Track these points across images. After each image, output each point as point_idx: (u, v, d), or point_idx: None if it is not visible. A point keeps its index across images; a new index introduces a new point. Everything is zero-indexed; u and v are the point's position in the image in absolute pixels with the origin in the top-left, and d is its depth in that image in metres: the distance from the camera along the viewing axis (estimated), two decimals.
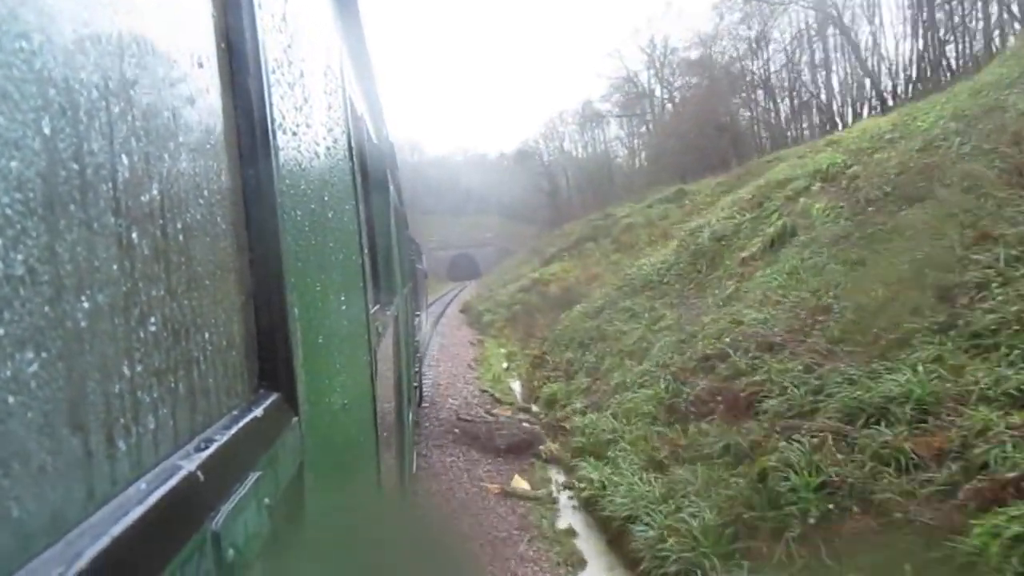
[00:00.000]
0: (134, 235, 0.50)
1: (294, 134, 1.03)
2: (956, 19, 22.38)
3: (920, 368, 4.71)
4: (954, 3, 22.30)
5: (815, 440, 4.66)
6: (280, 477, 0.77)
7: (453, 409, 11.05)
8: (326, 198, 1.32)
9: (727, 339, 7.19)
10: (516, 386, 13.27)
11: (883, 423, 4.52)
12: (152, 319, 0.53)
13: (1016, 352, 4.44)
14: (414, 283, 9.92)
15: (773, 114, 31.88)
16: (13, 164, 0.36)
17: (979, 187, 6.64)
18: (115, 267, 0.47)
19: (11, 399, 0.34)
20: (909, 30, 24.34)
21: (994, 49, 19.47)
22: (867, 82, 26.54)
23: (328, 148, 1.40)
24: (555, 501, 7.01)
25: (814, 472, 4.47)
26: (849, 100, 28.10)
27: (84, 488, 0.41)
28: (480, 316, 23.47)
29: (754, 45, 31.89)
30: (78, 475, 0.41)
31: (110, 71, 0.48)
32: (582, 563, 5.57)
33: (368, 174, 2.75)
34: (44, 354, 0.38)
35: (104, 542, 0.39)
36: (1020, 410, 4.00)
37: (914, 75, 24.13)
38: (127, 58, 0.51)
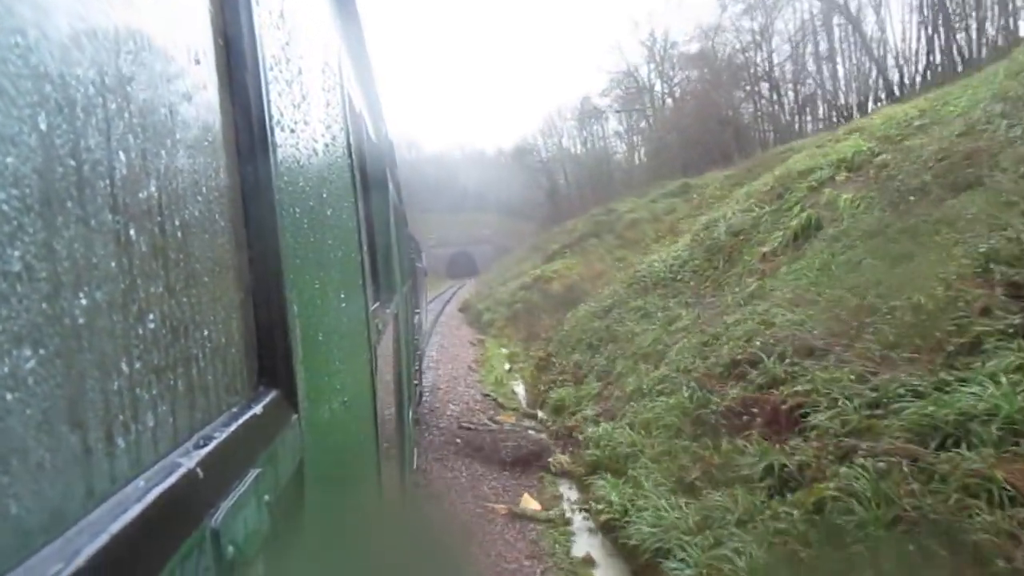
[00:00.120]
0: (132, 232, 0.50)
1: (292, 131, 1.01)
2: (968, 6, 21.71)
3: (1003, 379, 4.03)
4: None
5: (881, 465, 3.98)
6: (280, 474, 0.77)
7: (454, 416, 10.37)
8: (325, 195, 1.31)
9: (757, 342, 6.49)
10: (520, 390, 12.60)
11: (964, 445, 3.84)
12: (151, 316, 0.53)
13: None
14: (414, 281, 9.73)
15: (777, 107, 31.25)
16: (10, 160, 0.36)
17: None
18: (113, 264, 0.47)
19: (9, 396, 0.34)
20: (917, 18, 23.73)
21: (1007, 36, 18.89)
22: (874, 71, 25.92)
23: (327, 145, 1.38)
24: (568, 523, 6.32)
25: (884, 504, 3.78)
26: (854, 90, 27.49)
27: (83, 485, 0.41)
28: (480, 315, 22.96)
29: (758, 37, 31.27)
30: (77, 472, 0.41)
31: (107, 67, 0.48)
32: None
33: (367, 171, 2.70)
34: (42, 351, 0.37)
35: (103, 539, 0.39)
36: None
37: (922, 64, 23.59)
38: (124, 54, 0.51)
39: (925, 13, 23.34)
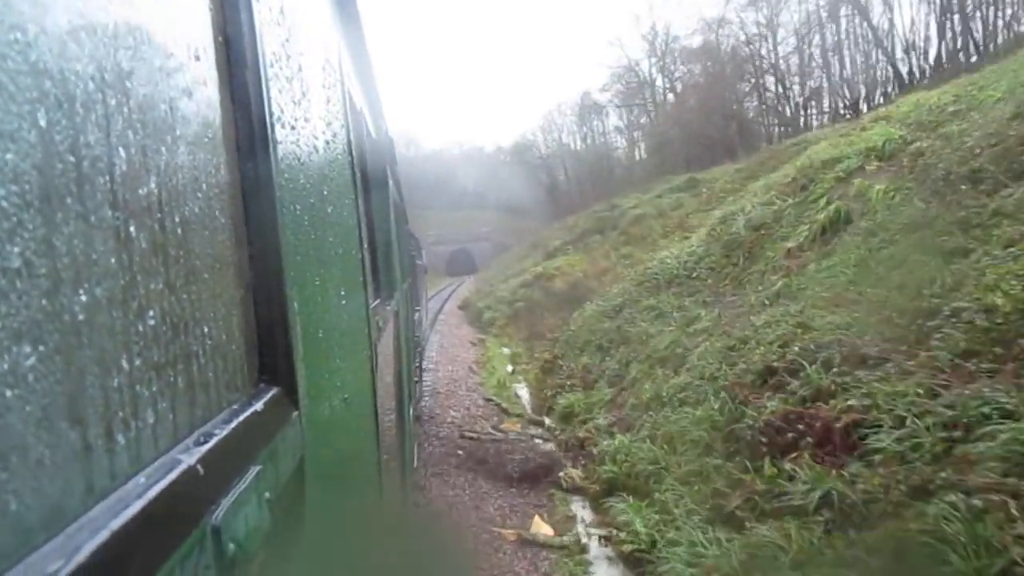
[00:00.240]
0: (132, 229, 0.50)
1: (292, 128, 1.02)
2: None
3: None
4: None
5: (976, 503, 3.29)
6: (280, 471, 0.77)
7: (455, 423, 9.67)
8: (325, 193, 1.31)
9: (795, 347, 5.79)
10: (524, 394, 11.92)
11: None
12: (151, 313, 0.53)
13: None
14: (414, 278, 9.55)
15: (783, 100, 30.63)
16: (9, 156, 0.36)
17: None
18: (113, 261, 0.47)
19: (9, 393, 0.34)
20: (925, 9, 23.14)
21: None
22: (883, 62, 25.31)
23: (327, 142, 1.38)
24: (584, 550, 5.63)
25: (985, 552, 3.10)
26: (863, 81, 26.89)
27: (83, 482, 0.41)
28: (480, 313, 22.40)
29: (763, 29, 30.64)
30: (77, 469, 0.41)
31: (107, 64, 0.48)
32: None
33: (367, 169, 2.68)
34: (42, 348, 0.37)
35: (103, 536, 0.39)
36: None
37: (932, 55, 23.05)
38: (123, 51, 0.51)
39: (936, 1, 22.72)
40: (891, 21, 25.82)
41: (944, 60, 22.94)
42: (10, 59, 0.36)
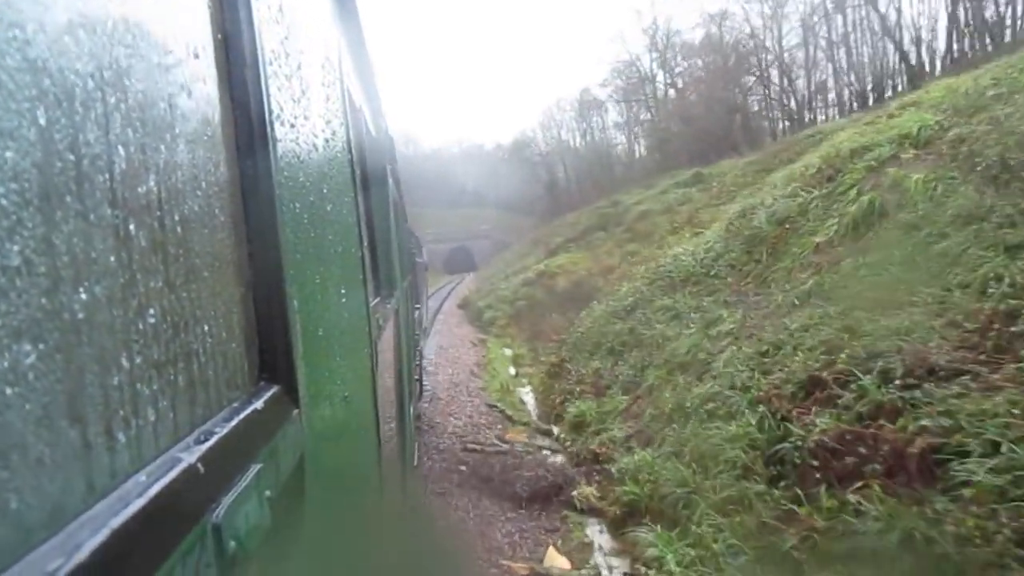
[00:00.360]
0: (132, 227, 0.50)
1: (292, 126, 1.01)
2: None
3: None
4: None
5: None
6: (281, 469, 0.76)
7: (456, 433, 8.99)
8: (325, 191, 1.30)
9: (843, 354, 5.09)
10: (529, 399, 11.24)
11: None
12: (151, 311, 0.52)
13: None
14: (414, 276, 9.29)
15: (789, 93, 30.01)
16: (8, 155, 0.36)
17: None
18: (113, 259, 0.47)
19: (9, 391, 0.34)
20: None
21: None
22: (892, 52, 24.71)
23: (327, 140, 1.38)
24: None
25: None
26: (871, 72, 26.31)
27: (83, 480, 0.41)
28: (481, 312, 21.82)
29: (768, 21, 30.05)
30: (77, 467, 0.41)
31: (106, 62, 0.48)
32: None
33: (367, 166, 2.64)
34: (42, 346, 0.37)
35: (104, 535, 0.38)
36: None
37: (942, 46, 22.55)
38: (122, 48, 0.51)
39: None
40: (899, 11, 25.18)
41: (954, 50, 22.36)
42: (9, 57, 0.36)
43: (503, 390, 11.60)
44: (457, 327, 20.95)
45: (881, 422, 4.24)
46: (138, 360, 0.48)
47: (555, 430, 8.74)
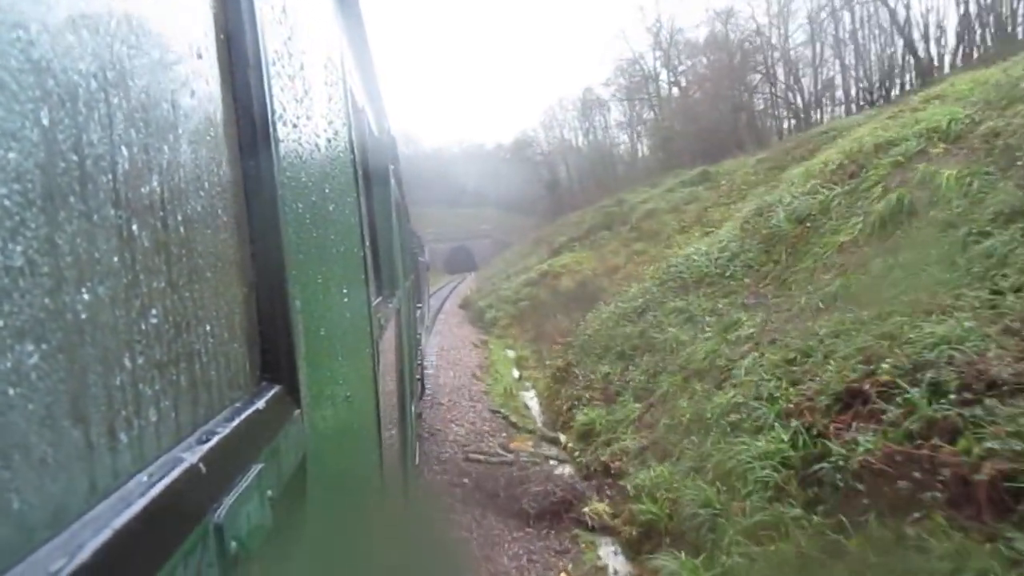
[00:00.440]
0: (134, 227, 0.50)
1: (294, 126, 1.00)
2: None
3: None
4: None
5: None
6: (283, 469, 0.76)
7: (458, 442, 8.53)
8: (327, 190, 1.30)
9: (885, 364, 4.64)
10: (534, 404, 10.78)
11: None
12: (153, 311, 0.52)
13: None
14: (416, 276, 9.16)
15: (796, 91, 29.58)
16: (12, 155, 0.35)
17: None
18: (115, 259, 0.47)
19: (12, 391, 0.34)
20: None
21: None
22: (901, 48, 24.27)
23: (329, 140, 1.37)
24: None
25: None
26: (879, 70, 25.88)
27: (86, 480, 0.41)
28: (482, 313, 21.42)
29: (774, 19, 29.62)
30: (80, 467, 0.40)
31: (108, 62, 0.47)
32: None
33: (369, 167, 2.65)
34: (44, 346, 0.37)
35: (106, 534, 0.38)
36: None
37: (951, 42, 22.15)
38: (125, 48, 0.50)
39: None
40: (908, 6, 24.72)
41: (966, 46, 21.92)
42: (12, 57, 0.36)
43: (507, 394, 11.16)
44: (458, 327, 20.57)
45: (936, 442, 3.78)
46: (140, 360, 0.48)
47: (562, 438, 8.30)
